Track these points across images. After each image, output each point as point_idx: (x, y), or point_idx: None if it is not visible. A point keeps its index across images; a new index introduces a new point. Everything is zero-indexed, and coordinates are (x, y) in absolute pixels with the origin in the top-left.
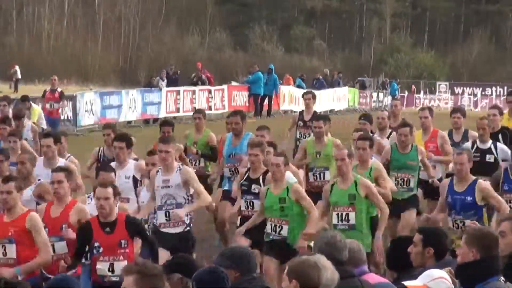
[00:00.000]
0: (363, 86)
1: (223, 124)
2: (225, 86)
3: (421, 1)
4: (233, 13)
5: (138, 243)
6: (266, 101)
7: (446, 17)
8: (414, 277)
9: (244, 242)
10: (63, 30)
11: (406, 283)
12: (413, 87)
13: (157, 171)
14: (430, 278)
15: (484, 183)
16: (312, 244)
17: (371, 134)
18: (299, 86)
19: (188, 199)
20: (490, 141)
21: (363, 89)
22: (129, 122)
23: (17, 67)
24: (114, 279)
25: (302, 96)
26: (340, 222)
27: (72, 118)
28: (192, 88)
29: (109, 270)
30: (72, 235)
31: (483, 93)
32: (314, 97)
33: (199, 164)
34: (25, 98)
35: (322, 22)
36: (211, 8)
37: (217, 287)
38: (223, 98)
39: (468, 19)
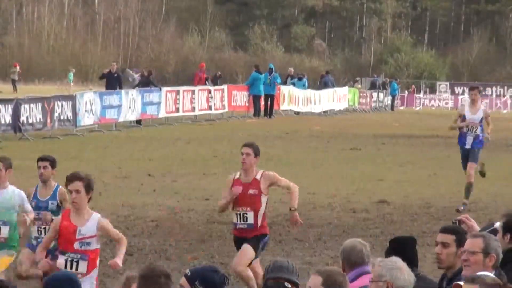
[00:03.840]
0: (378, 87)
1: (223, 124)
2: (225, 86)
3: (421, 1)
4: (233, 13)
5: None
6: (263, 101)
7: (446, 17)
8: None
9: None
10: (62, 30)
11: (459, 283)
12: (413, 87)
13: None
14: None
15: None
16: None
17: None
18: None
19: None
20: None
21: (373, 88)
22: (129, 122)
23: (17, 67)
24: None
25: None
26: None
27: (72, 118)
28: (192, 88)
29: None
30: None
31: (483, 93)
32: None
33: None
34: None
35: (322, 22)
36: (211, 8)
37: (219, 285)
38: (223, 98)
39: (468, 19)
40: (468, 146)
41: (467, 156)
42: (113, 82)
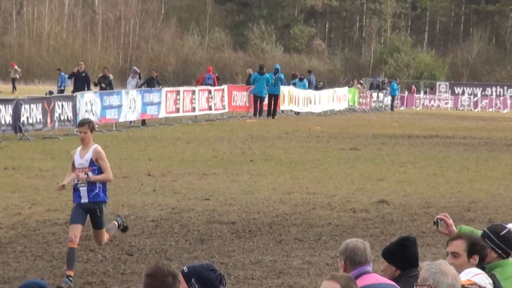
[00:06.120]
0: (376, 87)
1: (223, 124)
2: (225, 86)
3: (420, 1)
4: (232, 13)
5: None
6: (265, 101)
7: (446, 17)
8: (414, 277)
9: None
10: (62, 30)
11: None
12: (413, 87)
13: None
14: (473, 274)
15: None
16: None
17: None
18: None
19: None
20: None
21: (375, 89)
22: (130, 122)
23: (15, 67)
24: None
25: None
26: None
27: (72, 118)
28: (192, 88)
29: None
30: None
31: (483, 93)
32: None
33: None
34: None
35: (322, 22)
36: (211, 8)
37: (216, 284)
38: (223, 98)
39: (468, 19)
40: (85, 200)
41: (83, 213)
42: (81, 81)
